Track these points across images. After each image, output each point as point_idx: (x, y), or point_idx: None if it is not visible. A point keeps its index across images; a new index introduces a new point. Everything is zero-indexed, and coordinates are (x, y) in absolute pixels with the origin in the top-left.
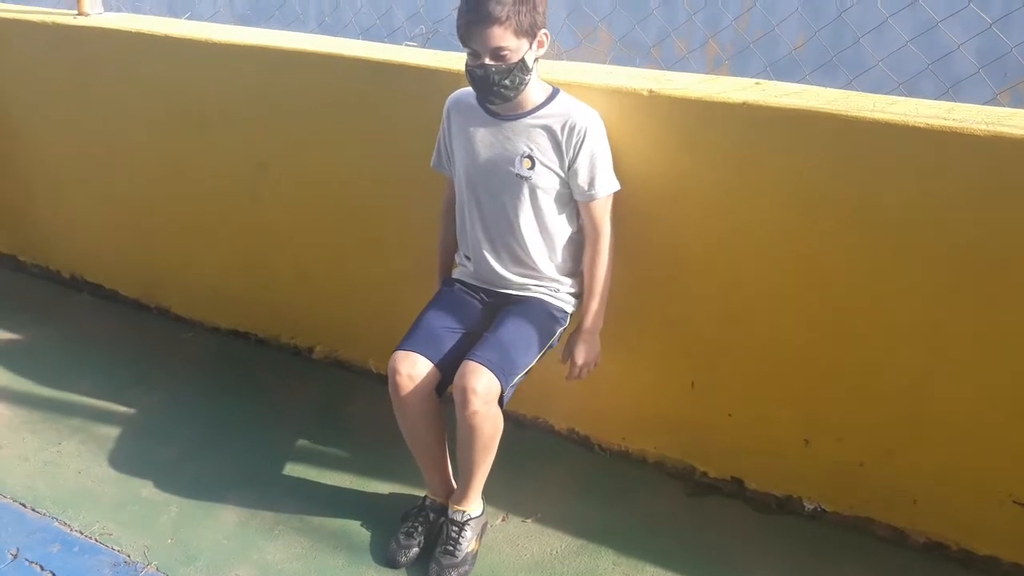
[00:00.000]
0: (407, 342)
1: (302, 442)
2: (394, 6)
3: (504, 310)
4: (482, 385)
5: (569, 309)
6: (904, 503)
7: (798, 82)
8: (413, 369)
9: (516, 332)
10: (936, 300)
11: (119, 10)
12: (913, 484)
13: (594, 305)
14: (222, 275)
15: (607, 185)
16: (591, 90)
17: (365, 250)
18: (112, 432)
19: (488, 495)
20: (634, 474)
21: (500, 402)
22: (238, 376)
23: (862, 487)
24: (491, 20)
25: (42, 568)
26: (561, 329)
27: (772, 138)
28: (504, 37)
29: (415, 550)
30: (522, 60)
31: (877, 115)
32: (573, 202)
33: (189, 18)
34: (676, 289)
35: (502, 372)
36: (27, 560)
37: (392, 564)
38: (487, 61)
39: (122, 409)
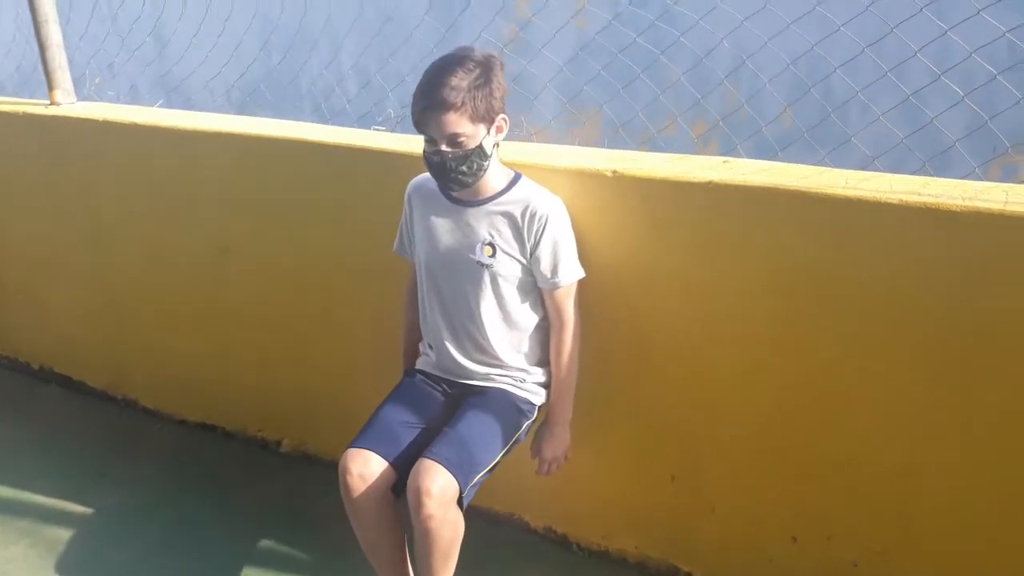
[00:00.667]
0: (360, 439)
1: (265, 544)
2: (389, 93)
3: (466, 402)
4: (437, 486)
5: (537, 400)
6: None
7: (788, 159)
8: (366, 468)
9: (477, 426)
10: (921, 386)
11: (117, 100)
12: None
13: (560, 395)
14: (189, 364)
15: (571, 273)
16: (554, 172)
17: (328, 337)
18: (64, 535)
19: None
20: None
21: (460, 503)
22: (203, 473)
23: None
24: (446, 106)
25: None
26: (528, 422)
27: (741, 218)
28: (460, 123)
29: None
30: (480, 146)
31: (849, 192)
32: (537, 289)
33: (186, 107)
34: (650, 377)
35: (460, 471)
36: None
37: None
38: (443, 148)
39: (78, 509)
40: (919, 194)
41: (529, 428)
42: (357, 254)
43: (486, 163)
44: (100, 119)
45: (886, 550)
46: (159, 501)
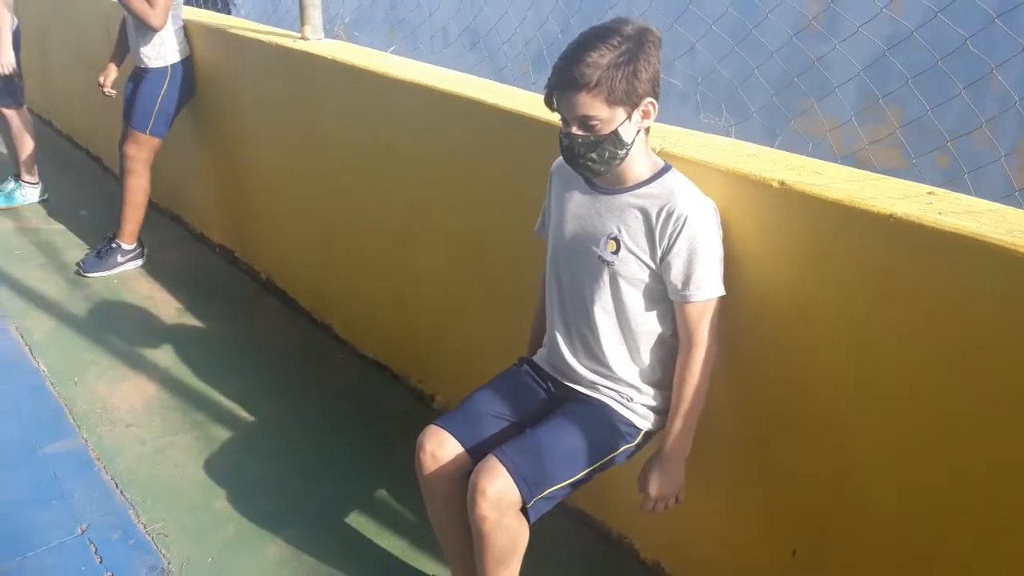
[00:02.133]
0: (444, 419)
1: (385, 495)
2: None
3: (562, 408)
4: (494, 488)
5: (643, 425)
6: None
7: None
8: (439, 449)
9: (562, 437)
10: None
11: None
12: None
13: (677, 426)
14: (373, 305)
15: (707, 288)
16: (710, 171)
17: (487, 307)
18: (225, 436)
19: None
20: None
21: (526, 513)
22: (359, 409)
23: None
24: (578, 85)
25: (96, 551)
26: (628, 446)
27: (925, 267)
28: (592, 106)
29: None
30: (615, 132)
31: None
32: (668, 301)
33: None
34: (786, 433)
35: (525, 481)
36: (89, 540)
37: None
38: (574, 130)
39: (247, 417)
40: None
41: (631, 454)
42: (528, 228)
43: (622, 152)
44: (329, 57)
45: None
46: (314, 427)
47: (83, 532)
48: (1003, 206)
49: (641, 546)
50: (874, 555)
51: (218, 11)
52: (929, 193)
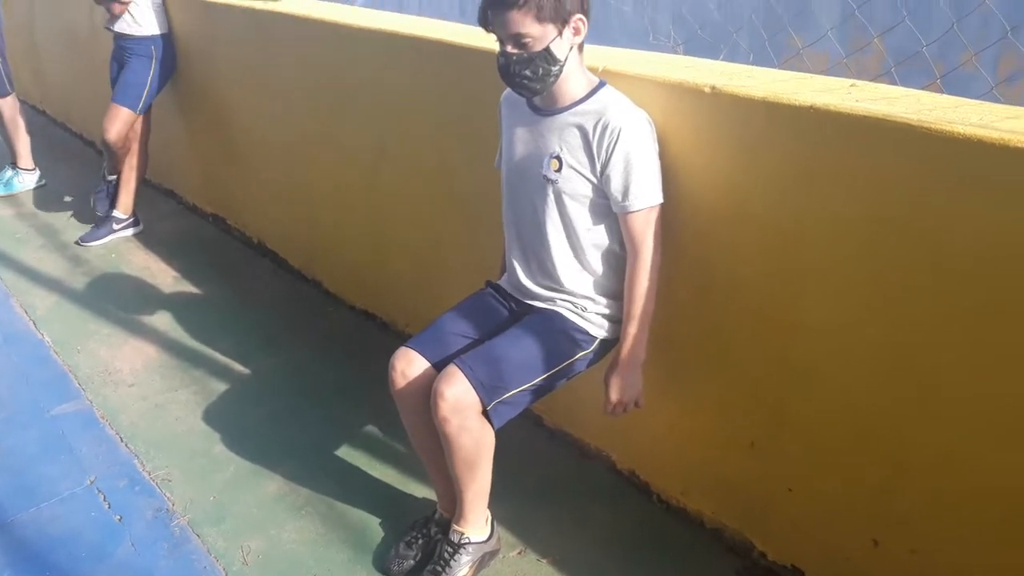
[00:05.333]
0: (412, 340)
1: (372, 428)
2: (661, 9)
3: (519, 321)
4: (452, 392)
5: (597, 333)
6: None
7: None
8: (409, 367)
9: (517, 345)
10: None
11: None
12: None
13: (630, 331)
14: (357, 255)
15: (646, 197)
16: (646, 83)
17: (465, 238)
18: (222, 388)
19: (514, 523)
20: (687, 538)
21: (489, 417)
22: (348, 353)
23: None
24: (508, 4)
25: (104, 499)
26: (583, 353)
27: (844, 152)
28: (523, 23)
29: (410, 562)
30: (547, 49)
31: (969, 130)
32: (614, 214)
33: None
34: (735, 327)
35: (482, 385)
36: (97, 489)
37: (385, 572)
38: (508, 49)
39: (241, 369)
40: None
41: (589, 361)
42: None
43: (555, 68)
44: (289, 13)
45: None
46: (305, 374)
47: (91, 483)
48: (920, 91)
49: (617, 457)
50: (822, 434)
51: None
52: (851, 85)
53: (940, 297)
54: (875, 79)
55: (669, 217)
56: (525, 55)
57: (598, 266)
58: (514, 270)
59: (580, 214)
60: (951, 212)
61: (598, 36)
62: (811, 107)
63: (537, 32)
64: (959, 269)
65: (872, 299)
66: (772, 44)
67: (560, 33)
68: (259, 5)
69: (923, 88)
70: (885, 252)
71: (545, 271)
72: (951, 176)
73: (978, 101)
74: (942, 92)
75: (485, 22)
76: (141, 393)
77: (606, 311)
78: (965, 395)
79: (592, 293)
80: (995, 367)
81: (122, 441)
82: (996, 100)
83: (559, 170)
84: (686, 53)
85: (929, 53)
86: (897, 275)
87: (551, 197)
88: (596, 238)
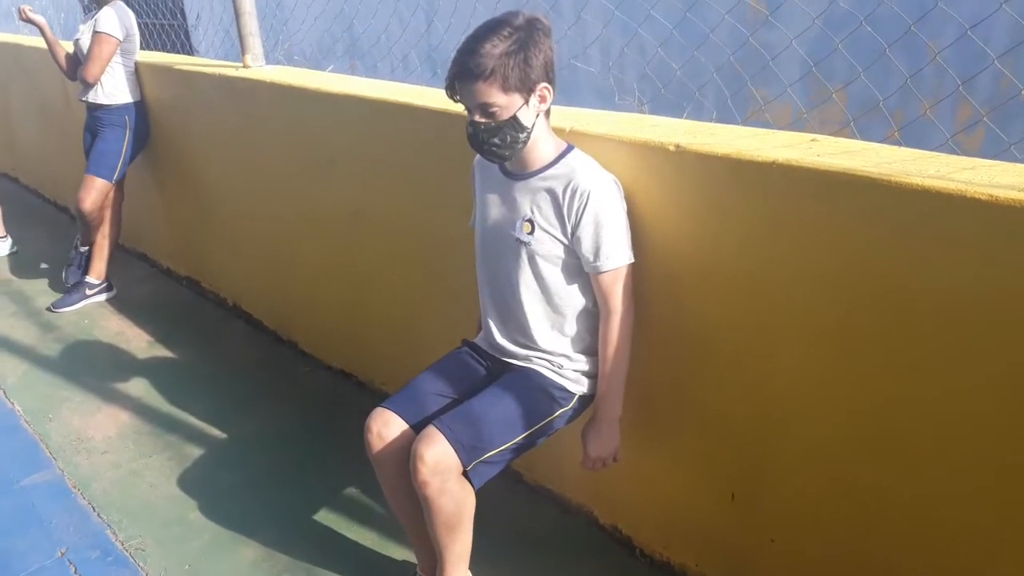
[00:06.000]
0: (388, 400)
1: (351, 490)
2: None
3: (498, 379)
4: (432, 454)
5: (576, 389)
6: None
7: None
8: (385, 428)
9: (497, 405)
10: (1018, 419)
11: (302, 63)
12: None
13: (604, 389)
14: (334, 316)
15: (616, 257)
16: (612, 142)
17: (438, 298)
18: (196, 453)
19: None
20: None
21: (469, 479)
22: (326, 416)
23: None
24: (474, 75)
25: (76, 571)
26: (563, 410)
27: (807, 206)
28: (489, 93)
29: None
30: (514, 117)
31: (927, 183)
32: (586, 274)
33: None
34: (709, 381)
35: (462, 446)
36: (69, 560)
37: None
38: (476, 118)
39: (217, 433)
40: (1020, 189)
41: (568, 418)
42: (467, 220)
43: (522, 135)
44: (268, 81)
45: None
46: (283, 436)
47: (62, 555)
48: (879, 144)
49: (599, 512)
50: (802, 485)
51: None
52: (812, 140)
53: (905, 346)
54: (837, 129)
55: (640, 274)
56: (493, 124)
57: (573, 324)
58: (490, 329)
59: (553, 274)
60: (912, 261)
61: (568, 96)
62: (774, 163)
63: (503, 102)
64: (923, 318)
65: (840, 350)
66: (735, 99)
67: (527, 101)
68: (232, 72)
69: (884, 136)
70: (851, 302)
71: (520, 330)
72: (910, 226)
73: (935, 153)
74: (901, 141)
75: (452, 92)
76: (114, 460)
77: (584, 367)
78: (937, 435)
79: (568, 351)
80: (964, 413)
81: (94, 510)
82: (954, 149)
83: (531, 232)
84: (652, 111)
85: (889, 102)
86: (864, 325)
87: (524, 259)
88: (570, 297)
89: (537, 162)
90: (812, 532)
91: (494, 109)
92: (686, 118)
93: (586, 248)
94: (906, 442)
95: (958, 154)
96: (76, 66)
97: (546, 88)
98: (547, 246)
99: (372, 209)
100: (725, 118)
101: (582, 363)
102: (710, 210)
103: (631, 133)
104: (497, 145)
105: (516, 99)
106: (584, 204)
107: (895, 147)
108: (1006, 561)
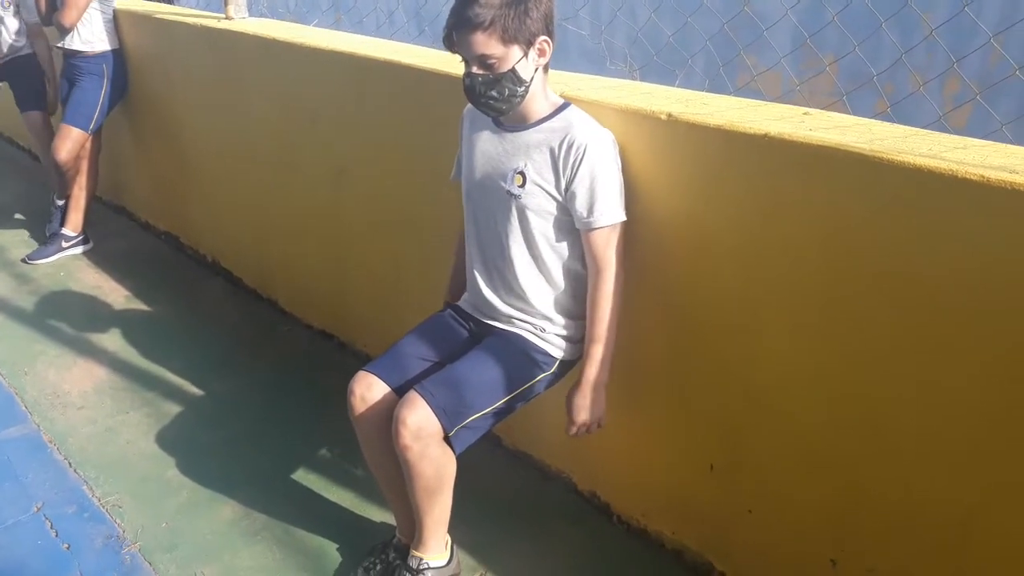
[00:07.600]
0: (371, 364)
1: (330, 451)
2: (617, 34)
3: (480, 342)
4: (414, 419)
5: (557, 354)
6: None
7: None
8: (368, 392)
9: (477, 369)
10: (1001, 405)
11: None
12: None
13: (595, 353)
14: (315, 275)
15: (610, 214)
16: (604, 109)
17: (422, 257)
18: (174, 410)
19: (474, 547)
20: (646, 558)
21: (450, 443)
22: (306, 376)
23: None
24: (472, 26)
25: (51, 526)
26: (544, 375)
27: (799, 180)
28: (488, 44)
29: None
30: (512, 70)
31: (920, 160)
32: (577, 233)
33: (356, 31)
34: (695, 351)
35: (444, 411)
36: (44, 516)
37: None
38: (474, 70)
39: (195, 391)
40: (1012, 171)
41: (549, 383)
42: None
43: (521, 89)
44: (251, 33)
45: None
46: (261, 396)
47: (38, 510)
48: (871, 120)
49: (578, 479)
50: (781, 459)
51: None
52: (804, 114)
53: (891, 324)
54: (826, 99)
55: (630, 241)
56: (491, 76)
57: (560, 281)
58: (476, 284)
59: (543, 230)
60: (901, 239)
61: (558, 60)
62: (766, 135)
63: (502, 53)
64: (911, 296)
65: (826, 325)
66: (727, 68)
67: (526, 54)
68: (213, 23)
69: (872, 107)
70: (839, 279)
71: (507, 286)
72: (901, 204)
73: (927, 131)
74: (892, 116)
75: (450, 43)
76: (90, 416)
77: (565, 332)
78: (920, 419)
79: (552, 313)
80: (948, 391)
81: (71, 466)
82: (944, 126)
83: (523, 185)
84: (643, 78)
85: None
86: (850, 302)
87: (514, 212)
88: (559, 253)
89: (533, 116)
90: (789, 505)
91: (492, 61)
92: (678, 86)
93: (580, 203)
94: (887, 418)
95: (947, 131)
96: (53, 11)
97: (545, 41)
98: (538, 200)
99: (356, 168)
100: (717, 87)
101: (563, 327)
102: (701, 180)
103: (623, 100)
104: (494, 98)
105: (515, 51)
106: (580, 158)
107: (887, 123)
108: (979, 539)
